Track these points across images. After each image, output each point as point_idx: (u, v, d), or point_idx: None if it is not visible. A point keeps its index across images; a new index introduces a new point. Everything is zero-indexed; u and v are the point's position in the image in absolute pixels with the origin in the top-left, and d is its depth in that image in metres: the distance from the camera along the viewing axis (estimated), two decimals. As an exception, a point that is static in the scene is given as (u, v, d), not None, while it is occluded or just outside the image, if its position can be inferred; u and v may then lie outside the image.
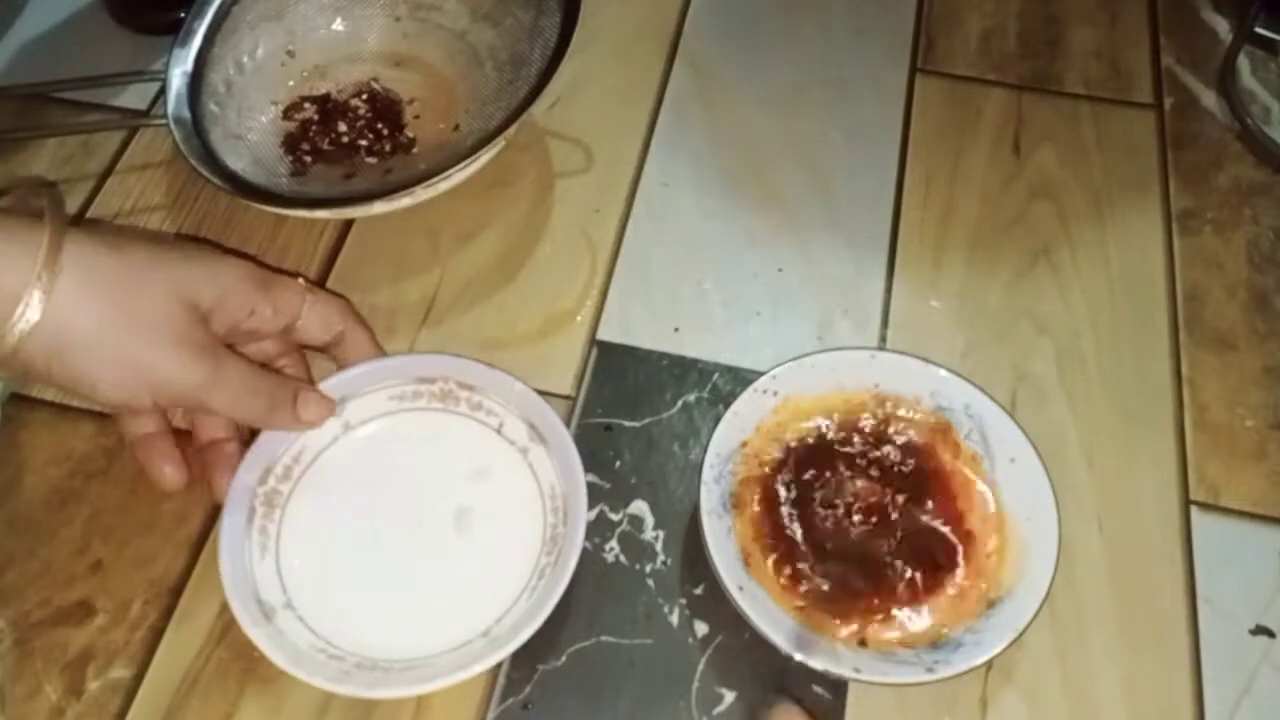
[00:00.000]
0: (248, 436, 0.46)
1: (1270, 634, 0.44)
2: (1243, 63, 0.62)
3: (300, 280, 0.46)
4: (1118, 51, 0.64)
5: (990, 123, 0.60)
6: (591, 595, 0.45)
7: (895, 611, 0.43)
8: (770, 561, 0.44)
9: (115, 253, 0.40)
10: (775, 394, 0.46)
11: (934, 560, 0.44)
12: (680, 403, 0.50)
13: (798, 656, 0.40)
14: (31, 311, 0.37)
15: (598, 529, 0.47)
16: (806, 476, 0.46)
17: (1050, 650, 0.44)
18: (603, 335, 0.53)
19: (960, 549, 0.44)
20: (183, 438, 0.46)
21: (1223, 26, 0.65)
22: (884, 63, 0.63)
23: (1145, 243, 0.56)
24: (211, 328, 0.42)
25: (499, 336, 0.52)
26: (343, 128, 0.57)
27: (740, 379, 0.51)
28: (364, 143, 0.57)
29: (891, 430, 0.47)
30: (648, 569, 0.46)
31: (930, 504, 0.45)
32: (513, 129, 0.51)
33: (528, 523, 0.45)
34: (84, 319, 0.38)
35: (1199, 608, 0.45)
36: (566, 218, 0.57)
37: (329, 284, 0.54)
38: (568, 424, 0.48)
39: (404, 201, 0.51)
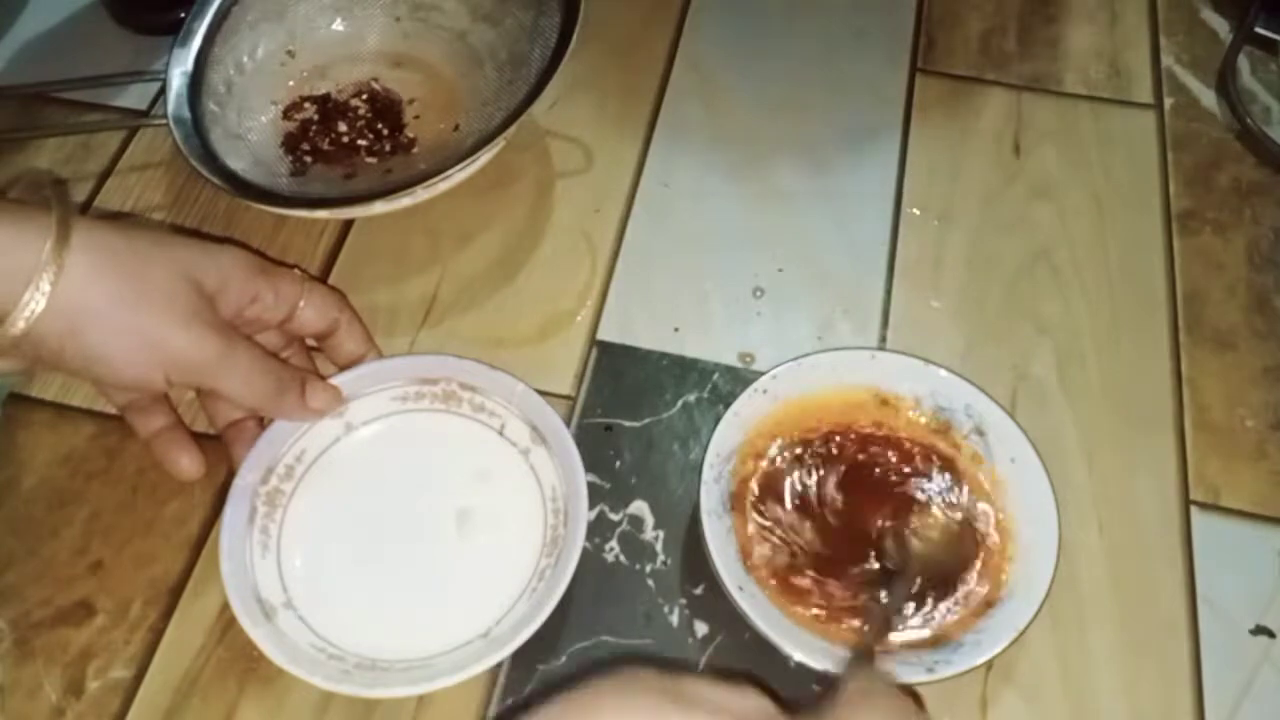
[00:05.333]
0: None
1: (1270, 634, 0.44)
2: (1243, 63, 0.62)
3: (297, 270, 0.47)
4: (1118, 52, 0.64)
5: (990, 123, 0.60)
6: (592, 595, 0.45)
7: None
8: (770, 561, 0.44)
9: (122, 234, 0.40)
10: (775, 394, 0.46)
11: (934, 558, 0.44)
12: (680, 403, 0.50)
13: (798, 656, 0.40)
14: (43, 292, 0.37)
15: (598, 529, 0.47)
16: (806, 476, 0.46)
17: (1050, 650, 0.44)
18: (603, 335, 0.53)
19: (962, 549, 0.44)
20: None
21: (1223, 27, 0.65)
22: (884, 63, 0.63)
23: (1145, 243, 0.56)
24: (218, 312, 0.42)
25: (499, 336, 0.52)
26: (343, 128, 0.57)
27: (740, 379, 0.51)
28: (364, 143, 0.57)
29: (890, 430, 0.47)
30: (648, 569, 0.46)
31: (931, 504, 0.45)
32: (513, 129, 0.51)
33: (528, 524, 0.45)
34: (96, 296, 0.38)
35: (1199, 608, 0.45)
36: (566, 218, 0.57)
37: (329, 284, 0.54)
38: (568, 424, 0.48)
39: (404, 201, 0.51)
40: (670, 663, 0.44)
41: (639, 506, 0.48)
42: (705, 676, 0.32)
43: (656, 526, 0.47)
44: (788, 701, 0.31)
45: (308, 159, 0.56)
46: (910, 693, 0.39)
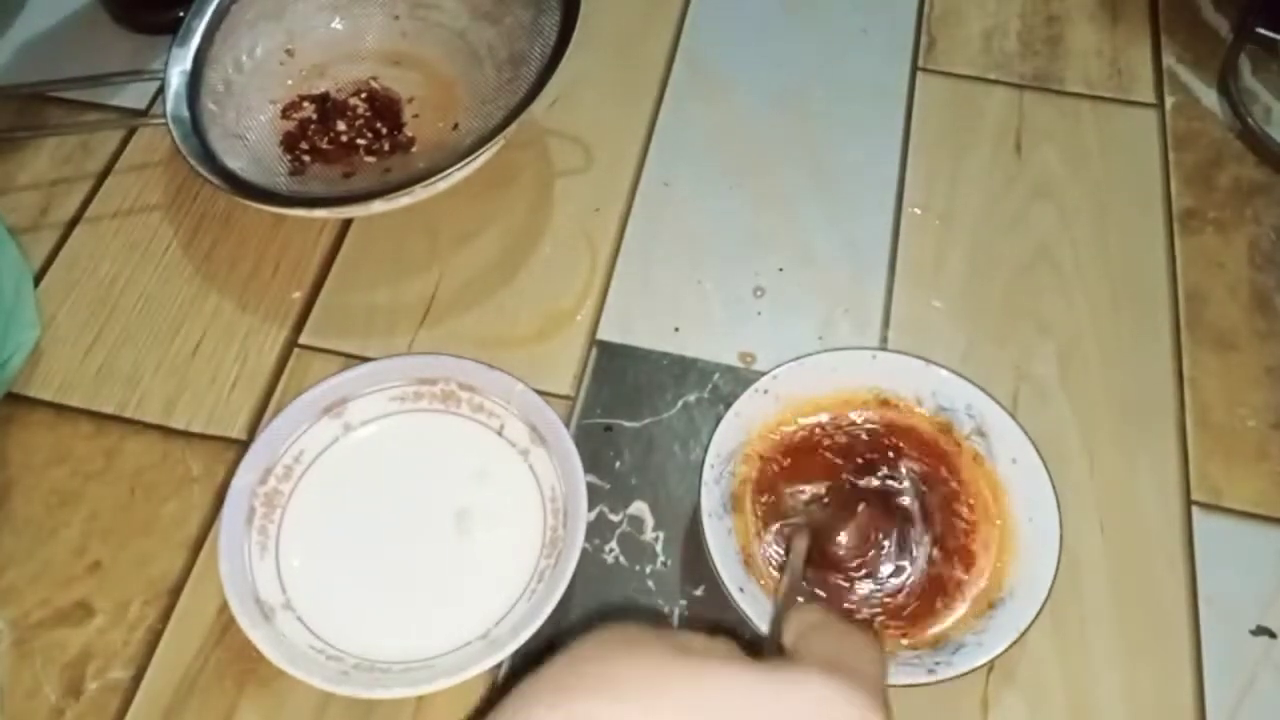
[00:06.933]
0: None
1: (1271, 634, 0.44)
2: (1244, 62, 0.62)
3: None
4: (1119, 51, 0.64)
5: (992, 122, 0.60)
6: (591, 596, 0.45)
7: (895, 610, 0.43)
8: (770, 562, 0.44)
9: None
10: (776, 394, 0.46)
11: (933, 559, 0.44)
12: (680, 403, 0.50)
13: (798, 658, 0.40)
14: None
15: (598, 530, 0.47)
16: (806, 476, 0.45)
17: (1052, 651, 0.44)
18: (603, 335, 0.52)
19: (961, 550, 0.44)
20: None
21: (1224, 26, 0.65)
22: (884, 62, 0.63)
23: (1146, 242, 0.55)
24: None
25: (498, 336, 0.52)
26: (341, 127, 0.57)
27: (740, 379, 0.50)
28: (363, 142, 0.57)
29: (891, 431, 0.47)
30: (648, 570, 0.46)
31: (929, 503, 0.45)
32: (512, 128, 0.51)
33: (528, 524, 0.45)
34: None
35: (1200, 608, 0.45)
36: (566, 217, 0.56)
37: (328, 284, 0.54)
38: (567, 424, 0.48)
39: (403, 201, 0.50)
40: (657, 617, 0.44)
41: (639, 507, 0.47)
42: (685, 630, 0.34)
43: (656, 527, 0.47)
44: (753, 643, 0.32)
45: (306, 158, 0.56)
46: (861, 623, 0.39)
